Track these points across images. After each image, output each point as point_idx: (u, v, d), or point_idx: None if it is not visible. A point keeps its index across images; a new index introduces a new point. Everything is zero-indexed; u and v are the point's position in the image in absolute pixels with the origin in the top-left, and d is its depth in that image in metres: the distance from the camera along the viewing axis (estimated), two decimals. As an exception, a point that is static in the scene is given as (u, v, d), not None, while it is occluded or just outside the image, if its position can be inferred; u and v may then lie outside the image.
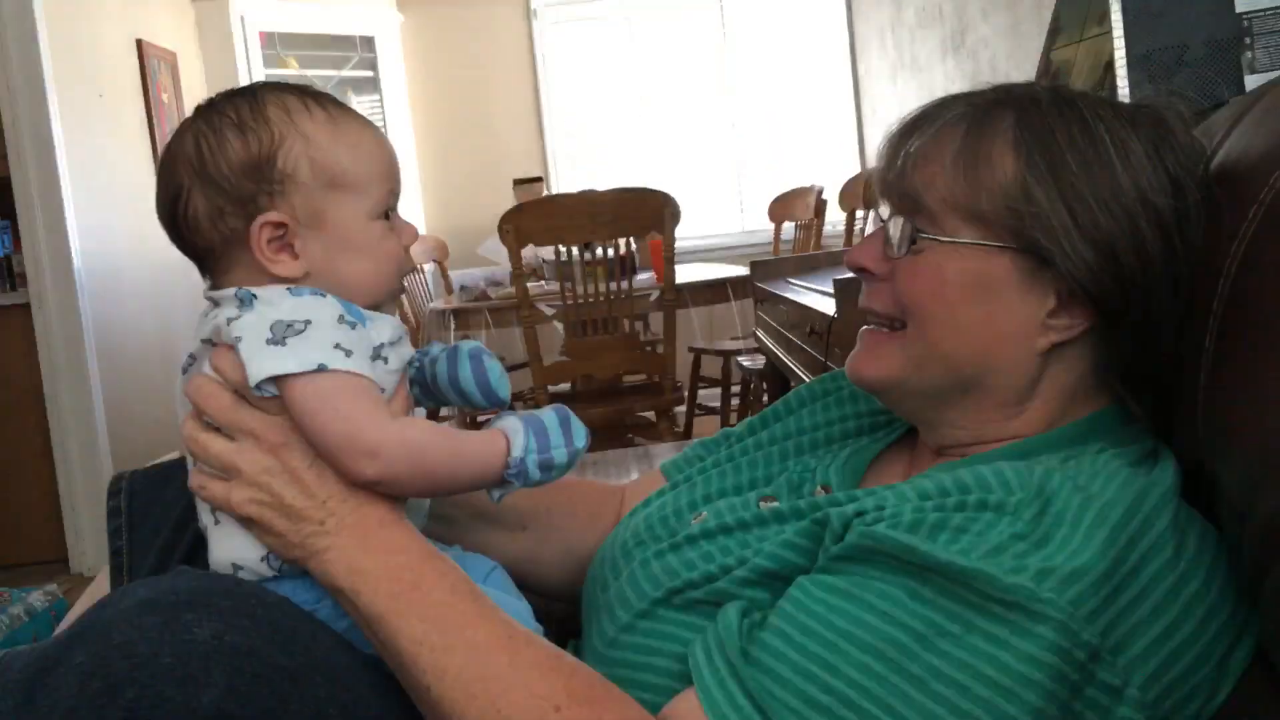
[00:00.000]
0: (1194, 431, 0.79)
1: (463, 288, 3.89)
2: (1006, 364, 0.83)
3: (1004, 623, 0.66)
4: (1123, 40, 1.66)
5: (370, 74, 5.54)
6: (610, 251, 3.25)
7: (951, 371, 0.84)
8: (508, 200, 4.18)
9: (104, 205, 3.93)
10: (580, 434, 0.81)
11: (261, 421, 0.78)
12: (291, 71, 5.29)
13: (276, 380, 0.75)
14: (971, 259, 0.82)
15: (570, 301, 3.27)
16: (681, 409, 4.22)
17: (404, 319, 4.39)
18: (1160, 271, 0.80)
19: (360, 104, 5.53)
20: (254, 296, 0.77)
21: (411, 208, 5.59)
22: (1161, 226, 0.80)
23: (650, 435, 3.93)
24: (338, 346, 0.75)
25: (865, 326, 0.90)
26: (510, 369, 4.67)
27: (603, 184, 3.32)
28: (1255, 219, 0.76)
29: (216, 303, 0.80)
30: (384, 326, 0.81)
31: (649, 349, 3.75)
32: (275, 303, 0.77)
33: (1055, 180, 0.80)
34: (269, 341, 0.75)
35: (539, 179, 4.86)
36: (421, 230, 5.40)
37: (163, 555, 0.93)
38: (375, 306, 0.83)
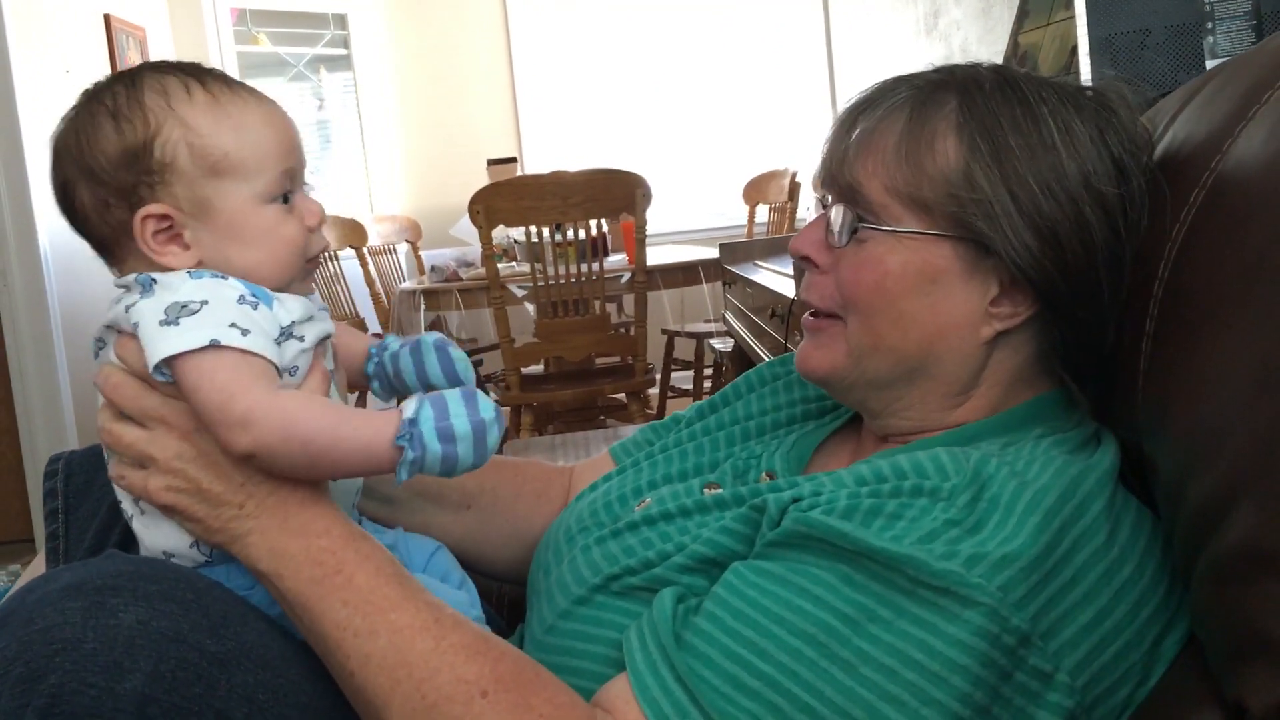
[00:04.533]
0: (1134, 415, 0.79)
1: (433, 268, 3.87)
2: (951, 353, 0.83)
3: (934, 608, 0.66)
4: (1085, 24, 1.65)
5: (343, 52, 5.49)
6: (582, 233, 3.24)
7: (896, 362, 0.83)
8: (482, 180, 4.15)
9: (70, 182, 3.89)
10: (487, 406, 0.74)
11: (170, 407, 0.76)
12: (262, 48, 5.23)
13: (170, 365, 0.73)
14: (914, 249, 0.81)
15: (541, 283, 3.25)
16: (653, 391, 4.22)
17: (374, 298, 4.36)
18: (1104, 257, 0.80)
19: (333, 82, 5.48)
20: (154, 281, 0.75)
21: (388, 187, 5.55)
22: (1106, 212, 0.80)
23: (622, 417, 3.93)
24: (233, 325, 0.73)
25: (807, 314, 0.89)
26: (481, 350, 4.67)
27: (577, 165, 3.30)
28: (1195, 203, 0.76)
29: (125, 289, 0.78)
30: (293, 305, 0.79)
31: (621, 331, 3.74)
32: (174, 286, 0.75)
33: (999, 165, 0.79)
34: (162, 323, 0.72)
35: (513, 159, 4.83)
36: (396, 211, 5.37)
37: (100, 536, 0.92)
38: (280, 290, 0.80)
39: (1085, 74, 1.71)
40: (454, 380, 0.88)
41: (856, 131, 0.84)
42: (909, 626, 0.66)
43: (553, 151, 5.59)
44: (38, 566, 0.98)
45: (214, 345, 0.72)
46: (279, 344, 0.76)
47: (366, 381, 0.91)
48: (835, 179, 0.85)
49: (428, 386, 0.87)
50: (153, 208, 0.76)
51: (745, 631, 0.70)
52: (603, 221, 3.29)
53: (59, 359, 3.79)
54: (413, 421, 0.72)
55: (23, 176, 3.69)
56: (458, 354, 0.89)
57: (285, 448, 0.72)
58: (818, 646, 0.68)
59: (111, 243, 0.79)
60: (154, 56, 4.68)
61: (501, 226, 3.24)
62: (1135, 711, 0.71)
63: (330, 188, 5.27)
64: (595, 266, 3.26)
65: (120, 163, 0.76)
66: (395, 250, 4.86)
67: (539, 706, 0.70)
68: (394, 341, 0.90)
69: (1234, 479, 0.64)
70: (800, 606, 0.69)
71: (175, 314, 0.73)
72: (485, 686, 0.70)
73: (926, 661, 0.66)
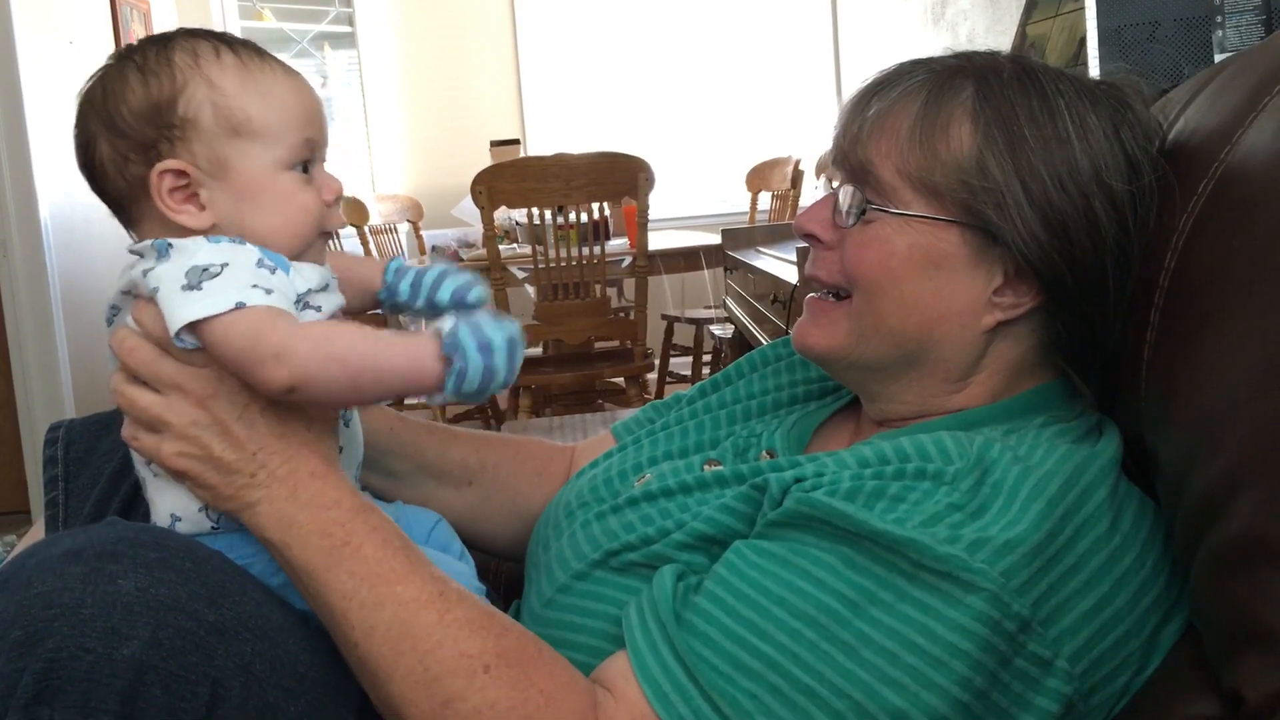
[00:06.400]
0: (1136, 405, 0.79)
1: (434, 248, 3.87)
2: (951, 339, 0.83)
3: (936, 592, 0.66)
4: (1094, 15, 1.65)
5: (348, 29, 5.47)
6: (583, 216, 3.23)
7: (896, 345, 0.83)
8: (484, 161, 4.14)
9: (72, 155, 3.87)
10: (511, 324, 0.74)
11: (187, 374, 0.76)
12: (267, 24, 5.21)
13: (194, 328, 0.73)
14: (921, 233, 0.81)
15: (542, 265, 3.25)
16: (652, 376, 4.22)
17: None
18: (1111, 253, 0.80)
19: (337, 60, 5.46)
20: (170, 246, 0.75)
21: (390, 166, 5.54)
22: (1115, 208, 0.80)
23: (620, 401, 3.93)
24: (256, 286, 0.73)
25: (811, 294, 0.89)
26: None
27: (581, 148, 3.29)
28: (1203, 195, 0.75)
29: (140, 255, 0.78)
30: (310, 274, 0.79)
31: (621, 315, 3.74)
32: (192, 250, 0.75)
33: (1012, 155, 0.79)
34: (184, 288, 0.72)
35: (516, 141, 4.82)
36: (399, 190, 5.35)
37: (99, 506, 0.92)
38: (294, 259, 0.79)
39: (1093, 66, 1.70)
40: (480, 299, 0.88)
41: (870, 111, 0.84)
42: (910, 610, 0.67)
43: (556, 134, 5.57)
44: (34, 536, 0.98)
45: (239, 307, 0.72)
46: (300, 311, 0.76)
47: (379, 302, 0.90)
48: (846, 157, 0.85)
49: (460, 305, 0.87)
50: (170, 163, 0.76)
51: (746, 612, 0.70)
52: (605, 205, 3.28)
53: (58, 331, 3.79)
54: (453, 333, 0.72)
55: (25, 148, 3.68)
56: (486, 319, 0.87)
57: (325, 370, 0.72)
58: (818, 628, 0.68)
59: (128, 200, 0.79)
60: (158, 30, 4.65)
61: (503, 208, 3.24)
62: (1132, 699, 0.71)
63: (332, 166, 5.23)
64: (596, 250, 3.26)
65: (143, 116, 0.76)
66: (397, 229, 4.84)
67: (540, 683, 0.70)
68: (404, 288, 0.88)
69: (1236, 469, 0.64)
70: (801, 588, 0.70)
71: (197, 278, 0.73)
72: (488, 661, 0.70)
73: (927, 645, 0.66)
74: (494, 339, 0.72)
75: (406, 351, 0.73)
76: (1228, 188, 0.73)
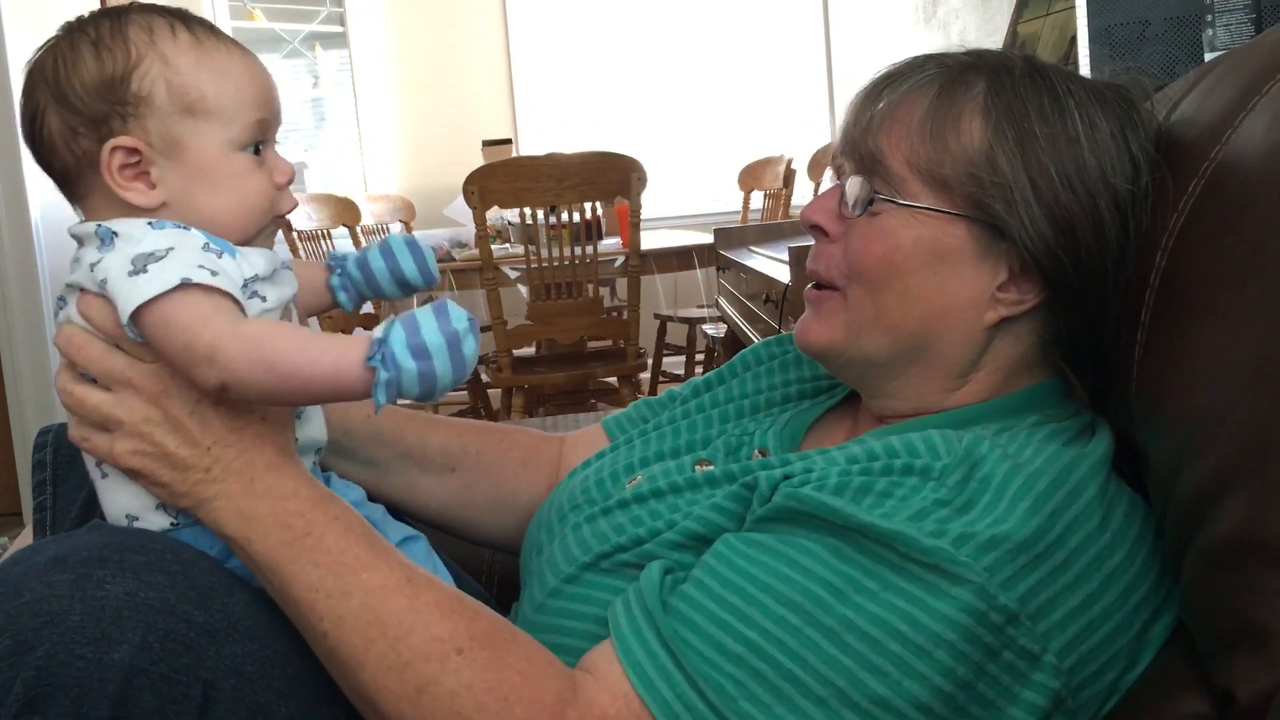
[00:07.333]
0: (1128, 404, 0.79)
1: (427, 248, 3.85)
2: (952, 335, 0.83)
3: (921, 582, 0.67)
4: (1085, 14, 1.65)
5: (339, 29, 5.46)
6: (576, 215, 3.23)
7: (896, 340, 0.83)
8: (476, 161, 4.14)
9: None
10: (459, 316, 0.68)
11: (137, 369, 0.74)
12: (257, 24, 5.20)
13: (140, 320, 0.71)
14: (928, 226, 0.81)
15: (535, 265, 3.25)
16: (644, 375, 4.22)
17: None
18: (1113, 253, 0.80)
19: (328, 60, 5.45)
20: (114, 234, 0.74)
21: (382, 166, 5.53)
22: (1119, 208, 0.80)
23: (613, 401, 3.93)
24: (201, 266, 0.72)
25: (810, 287, 0.89)
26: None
27: (573, 148, 3.29)
28: (1194, 194, 0.76)
29: (81, 242, 0.77)
30: (256, 259, 0.77)
31: (614, 314, 3.74)
32: (137, 238, 0.73)
33: (1021, 152, 0.79)
34: (131, 273, 0.71)
35: (508, 141, 4.82)
36: (391, 190, 5.35)
37: (85, 509, 0.91)
38: (243, 245, 0.79)
39: (1084, 65, 1.71)
40: (426, 273, 0.88)
41: (882, 103, 0.84)
42: (895, 599, 0.67)
43: (548, 133, 5.56)
44: (24, 540, 0.98)
45: (185, 285, 0.70)
46: (247, 299, 0.75)
47: (332, 295, 0.90)
48: (856, 147, 0.85)
49: (400, 283, 0.88)
50: (122, 139, 0.74)
51: (731, 598, 0.70)
52: (597, 204, 3.28)
53: (50, 333, 3.77)
54: (382, 341, 0.68)
55: (15, 149, 3.67)
56: (427, 249, 0.89)
57: (252, 373, 0.70)
58: (803, 614, 0.68)
59: (75, 175, 0.77)
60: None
61: (496, 208, 3.23)
62: (1123, 697, 0.71)
63: (324, 166, 5.25)
64: (589, 249, 3.26)
65: (96, 91, 0.74)
66: (389, 229, 4.84)
67: (515, 664, 0.70)
68: (351, 254, 0.89)
69: (1226, 468, 0.64)
70: (788, 575, 0.70)
71: (143, 262, 0.71)
72: (460, 644, 0.70)
73: (911, 634, 0.66)
74: (429, 341, 0.67)
75: (330, 358, 0.69)
76: (1218, 186, 0.73)
